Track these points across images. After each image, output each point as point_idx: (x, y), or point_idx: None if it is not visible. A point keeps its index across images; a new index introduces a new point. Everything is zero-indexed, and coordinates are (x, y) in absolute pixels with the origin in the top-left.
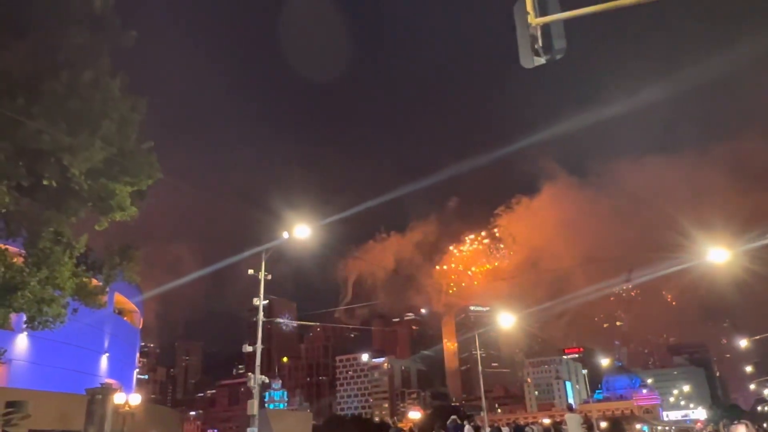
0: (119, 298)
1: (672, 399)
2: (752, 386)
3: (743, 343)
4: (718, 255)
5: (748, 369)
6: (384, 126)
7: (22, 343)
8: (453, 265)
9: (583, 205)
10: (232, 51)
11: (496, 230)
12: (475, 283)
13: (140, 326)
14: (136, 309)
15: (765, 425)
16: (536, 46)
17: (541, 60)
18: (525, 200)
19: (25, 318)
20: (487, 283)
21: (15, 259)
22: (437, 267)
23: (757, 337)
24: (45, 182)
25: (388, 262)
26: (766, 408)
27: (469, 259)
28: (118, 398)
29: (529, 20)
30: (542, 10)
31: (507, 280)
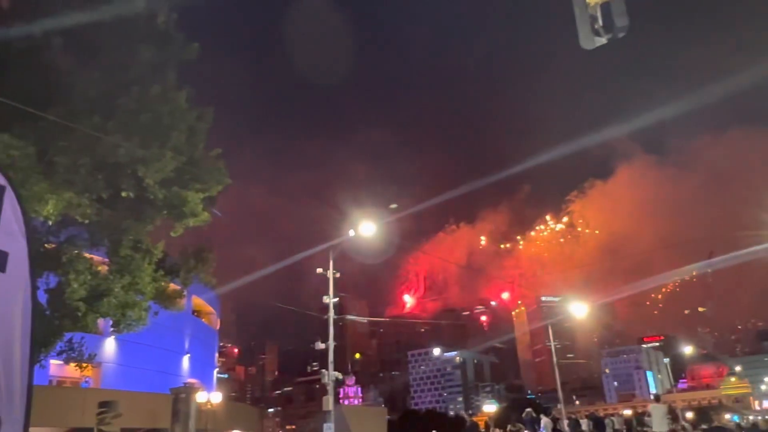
0: (196, 301)
1: (764, 387)
2: None
3: None
4: None
5: None
6: (449, 118)
7: (110, 346)
8: (525, 255)
9: (661, 184)
10: (284, 51)
11: (565, 217)
12: (548, 272)
13: (218, 327)
14: (213, 310)
15: None
16: (596, 26)
17: (602, 40)
18: (599, 183)
19: (111, 322)
20: (560, 272)
21: (100, 268)
22: (508, 257)
23: None
24: (123, 194)
25: (459, 255)
26: None
27: (541, 248)
28: (201, 397)
29: (588, 0)
30: None
31: (580, 268)
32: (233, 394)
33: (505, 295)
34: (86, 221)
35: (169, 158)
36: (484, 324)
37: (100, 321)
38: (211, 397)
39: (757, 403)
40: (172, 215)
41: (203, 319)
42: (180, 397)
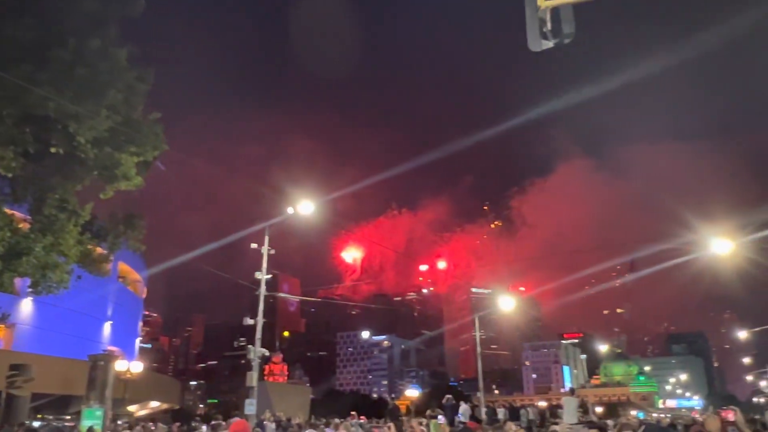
0: (123, 267)
1: (669, 387)
2: (749, 378)
3: (742, 334)
4: (721, 246)
5: (746, 360)
6: (396, 102)
7: (26, 307)
8: (461, 246)
9: (596, 188)
10: (240, 21)
11: (505, 213)
12: (481, 264)
13: (144, 296)
14: (140, 278)
15: (758, 416)
16: (544, 30)
17: (549, 44)
18: (539, 182)
19: (29, 283)
20: (493, 265)
21: (21, 225)
22: (445, 247)
23: (757, 329)
24: (52, 149)
25: (398, 240)
26: (762, 399)
27: (478, 241)
28: (120, 365)
29: (539, 3)
30: None
31: (513, 263)
32: (155, 364)
33: (436, 285)
34: (9, 175)
35: (103, 117)
36: (414, 311)
37: (17, 280)
38: (131, 366)
39: (661, 401)
40: (103, 177)
41: (129, 287)
42: (98, 365)
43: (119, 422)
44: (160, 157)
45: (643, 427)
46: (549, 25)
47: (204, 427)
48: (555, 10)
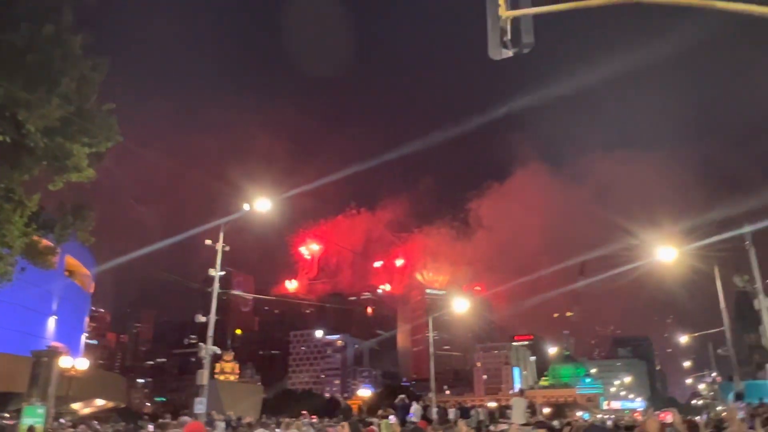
0: (71, 261)
1: (613, 389)
2: (689, 381)
3: (683, 339)
4: (666, 253)
5: (687, 364)
6: (361, 102)
7: None
8: (419, 247)
9: (551, 193)
10: (198, 12)
11: (462, 215)
12: (438, 266)
13: (91, 290)
14: (88, 272)
15: (698, 418)
16: (505, 39)
17: (509, 53)
18: (496, 186)
19: None
20: (449, 267)
21: None
22: (402, 247)
23: (696, 334)
24: None
25: (356, 240)
26: (700, 402)
27: (435, 242)
28: (65, 362)
29: (500, 12)
30: (513, 3)
31: (469, 265)
32: (101, 361)
33: (390, 285)
34: None
35: (55, 105)
36: (369, 310)
37: None
38: (76, 362)
39: (606, 403)
40: (53, 167)
41: (76, 281)
42: (41, 361)
43: (62, 420)
44: (113, 148)
45: (590, 428)
46: (509, 35)
47: (150, 426)
48: (516, 21)
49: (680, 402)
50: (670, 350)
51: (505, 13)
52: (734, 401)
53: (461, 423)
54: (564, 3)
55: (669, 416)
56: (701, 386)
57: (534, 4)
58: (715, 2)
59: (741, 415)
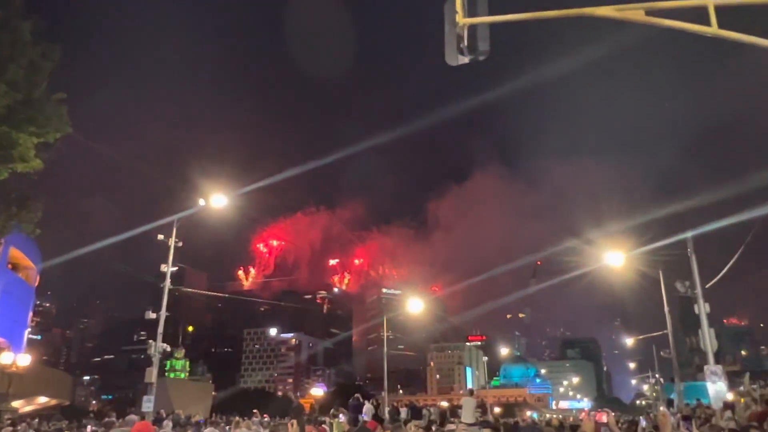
0: (14, 253)
1: (562, 389)
2: (633, 381)
3: (629, 341)
4: (614, 258)
5: (632, 365)
6: (318, 99)
7: None
8: (376, 246)
9: (508, 196)
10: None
11: (421, 215)
12: (395, 266)
13: (36, 284)
14: (33, 265)
15: (641, 417)
16: (461, 45)
17: (465, 59)
18: (454, 187)
19: None
20: (407, 267)
21: None
22: (360, 246)
23: (641, 337)
24: None
25: (314, 237)
26: (643, 402)
27: (393, 242)
28: (6, 357)
29: (457, 19)
30: (471, 11)
31: (426, 265)
32: (45, 357)
33: (347, 283)
34: None
35: (2, 93)
36: (324, 309)
37: None
38: (17, 359)
39: (555, 403)
40: None
41: (20, 274)
42: None
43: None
44: (62, 139)
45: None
46: (466, 42)
47: (88, 428)
48: (472, 28)
49: (625, 402)
50: (616, 352)
51: (462, 20)
52: (667, 407)
53: (411, 423)
54: (519, 13)
55: (604, 416)
56: (645, 387)
57: (490, 13)
58: (649, 18)
59: (672, 420)
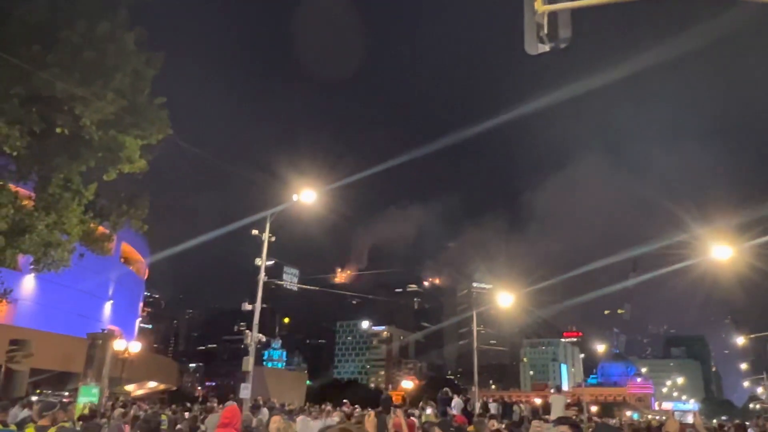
0: (126, 248)
1: (665, 389)
2: (746, 383)
3: (740, 340)
4: (721, 251)
5: (744, 366)
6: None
7: (28, 284)
8: (469, 242)
9: (610, 186)
10: (246, 8)
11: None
12: (488, 261)
13: (145, 276)
14: (143, 259)
15: (760, 422)
16: (541, 34)
17: (545, 48)
18: (550, 178)
19: (31, 260)
20: (498, 259)
21: (25, 202)
22: (453, 241)
23: (753, 336)
24: (57, 130)
25: (407, 232)
26: (758, 406)
27: (486, 235)
28: (119, 344)
29: (536, 7)
30: None
31: (518, 260)
32: (155, 345)
33: (439, 277)
34: (15, 153)
35: (109, 100)
36: (415, 303)
37: (20, 257)
38: (129, 346)
39: (657, 403)
40: (107, 159)
41: (131, 267)
42: (96, 343)
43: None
44: (164, 140)
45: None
46: (546, 29)
47: (186, 414)
48: (553, 15)
49: (737, 405)
50: (727, 351)
51: (542, 7)
52: None
53: (494, 420)
54: None
55: (690, 416)
56: (759, 389)
57: None
58: None
59: None
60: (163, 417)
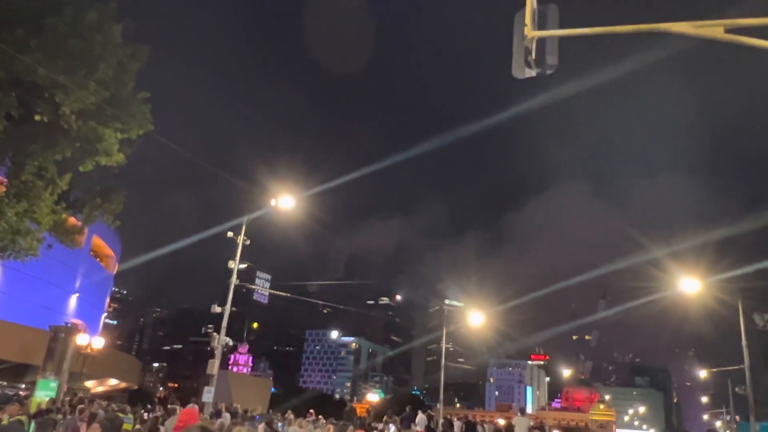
0: (97, 241)
1: (627, 418)
2: (705, 416)
3: (702, 373)
4: (689, 285)
5: (704, 399)
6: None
7: None
8: (449, 258)
9: (591, 212)
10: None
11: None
12: (464, 278)
13: (114, 271)
14: (113, 254)
15: None
16: (529, 59)
17: (532, 73)
18: (531, 200)
19: None
20: (473, 278)
21: None
22: (433, 256)
23: (715, 370)
24: (36, 117)
25: (387, 244)
26: None
27: (463, 253)
28: (82, 339)
29: (526, 32)
30: (540, 24)
31: (491, 280)
32: (119, 342)
33: (413, 292)
34: None
35: (91, 90)
36: (385, 316)
37: None
38: (93, 341)
39: (618, 431)
40: (85, 150)
41: (101, 262)
42: (59, 336)
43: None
44: (144, 136)
45: None
46: (534, 55)
47: (146, 415)
48: (541, 41)
49: None
50: (689, 383)
51: (531, 33)
52: None
53: None
54: (590, 27)
55: None
56: (718, 423)
57: (561, 26)
58: (728, 36)
59: None
60: (130, 416)
